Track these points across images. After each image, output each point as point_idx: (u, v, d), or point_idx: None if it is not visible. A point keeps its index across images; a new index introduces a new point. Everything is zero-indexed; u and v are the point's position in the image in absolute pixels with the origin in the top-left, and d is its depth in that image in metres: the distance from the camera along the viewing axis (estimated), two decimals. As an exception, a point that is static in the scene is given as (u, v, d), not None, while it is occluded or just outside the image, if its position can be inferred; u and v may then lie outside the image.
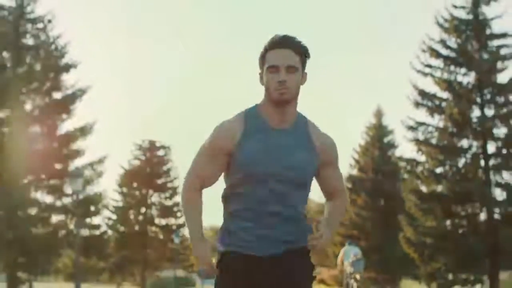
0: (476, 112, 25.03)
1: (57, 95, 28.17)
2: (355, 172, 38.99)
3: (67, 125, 28.84)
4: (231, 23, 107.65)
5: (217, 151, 2.84)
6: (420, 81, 25.80)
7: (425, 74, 25.71)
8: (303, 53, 2.81)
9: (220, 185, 2.96)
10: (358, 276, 17.04)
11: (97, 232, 31.47)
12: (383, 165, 37.44)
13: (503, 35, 25.24)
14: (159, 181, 40.41)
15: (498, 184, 24.68)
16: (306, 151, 2.85)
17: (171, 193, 40.41)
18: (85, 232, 28.91)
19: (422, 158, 25.68)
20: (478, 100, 25.00)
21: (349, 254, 17.51)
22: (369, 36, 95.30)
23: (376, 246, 34.98)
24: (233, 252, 2.84)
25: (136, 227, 39.59)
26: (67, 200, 27.82)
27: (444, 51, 25.71)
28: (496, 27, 33.79)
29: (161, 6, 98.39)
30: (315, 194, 26.68)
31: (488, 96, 24.96)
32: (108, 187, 55.98)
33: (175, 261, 38.10)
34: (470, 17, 25.54)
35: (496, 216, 24.71)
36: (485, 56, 25.22)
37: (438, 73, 25.57)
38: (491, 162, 24.75)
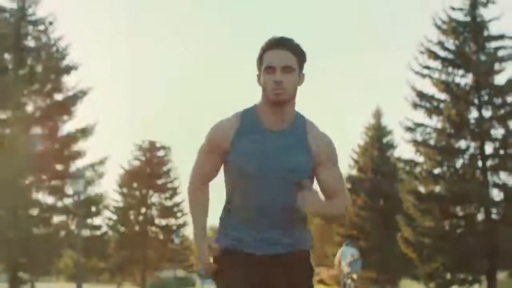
0: (473, 113, 25.18)
1: (58, 97, 28.34)
2: (354, 172, 38.87)
3: (68, 127, 29.11)
4: (231, 23, 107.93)
5: (214, 149, 2.87)
6: (418, 82, 25.96)
7: (423, 76, 25.81)
8: (300, 53, 2.82)
9: (220, 185, 3.04)
10: (355, 276, 17.21)
11: (98, 233, 31.64)
12: (382, 166, 37.31)
13: (501, 37, 25.36)
14: (159, 182, 40.49)
15: (496, 185, 24.83)
16: (302, 152, 2.83)
17: (171, 193, 40.48)
18: (86, 232, 29.06)
19: (420, 159, 25.83)
20: (476, 101, 25.12)
21: (346, 255, 17.66)
22: (369, 37, 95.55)
23: (376, 246, 34.93)
24: (232, 251, 2.87)
25: (136, 228, 39.67)
26: (68, 201, 27.99)
27: (442, 53, 25.83)
28: (493, 29, 33.85)
29: (161, 6, 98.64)
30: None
31: (486, 98, 25.07)
32: (108, 187, 56.07)
33: (175, 261, 38.14)
34: (468, 19, 25.67)
35: (494, 216, 24.82)
36: (483, 57, 25.33)
37: (436, 75, 25.68)
38: (489, 162, 24.89)
